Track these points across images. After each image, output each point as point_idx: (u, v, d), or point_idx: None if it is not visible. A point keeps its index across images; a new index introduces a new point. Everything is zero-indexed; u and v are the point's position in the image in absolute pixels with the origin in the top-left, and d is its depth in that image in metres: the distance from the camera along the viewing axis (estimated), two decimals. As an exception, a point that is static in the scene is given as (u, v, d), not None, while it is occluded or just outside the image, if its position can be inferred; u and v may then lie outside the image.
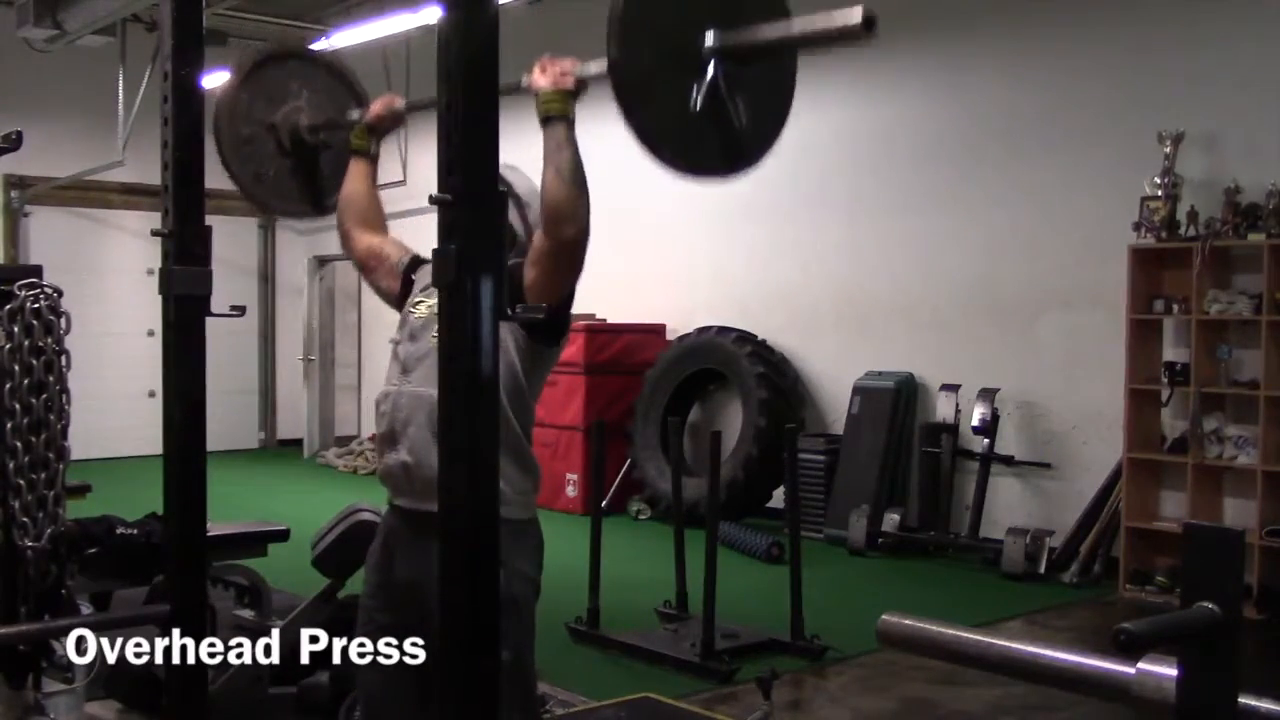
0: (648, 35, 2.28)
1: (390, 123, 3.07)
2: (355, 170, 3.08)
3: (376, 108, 3.05)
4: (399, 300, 2.94)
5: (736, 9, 2.36)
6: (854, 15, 2.12)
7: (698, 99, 2.31)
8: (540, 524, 2.79)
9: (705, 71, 2.32)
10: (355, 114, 3.15)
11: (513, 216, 2.77)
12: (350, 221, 3.05)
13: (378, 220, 3.08)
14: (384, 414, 2.75)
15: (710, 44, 2.31)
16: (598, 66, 2.36)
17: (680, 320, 9.34)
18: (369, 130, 3.06)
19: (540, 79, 2.53)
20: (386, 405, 2.74)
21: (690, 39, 2.31)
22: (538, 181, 2.63)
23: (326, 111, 3.25)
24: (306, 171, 3.26)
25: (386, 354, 3.02)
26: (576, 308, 2.83)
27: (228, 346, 11.42)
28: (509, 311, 1.94)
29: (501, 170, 2.17)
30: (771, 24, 2.37)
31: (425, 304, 2.77)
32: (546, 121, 2.52)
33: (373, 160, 3.09)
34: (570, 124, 2.53)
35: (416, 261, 2.96)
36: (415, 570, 2.64)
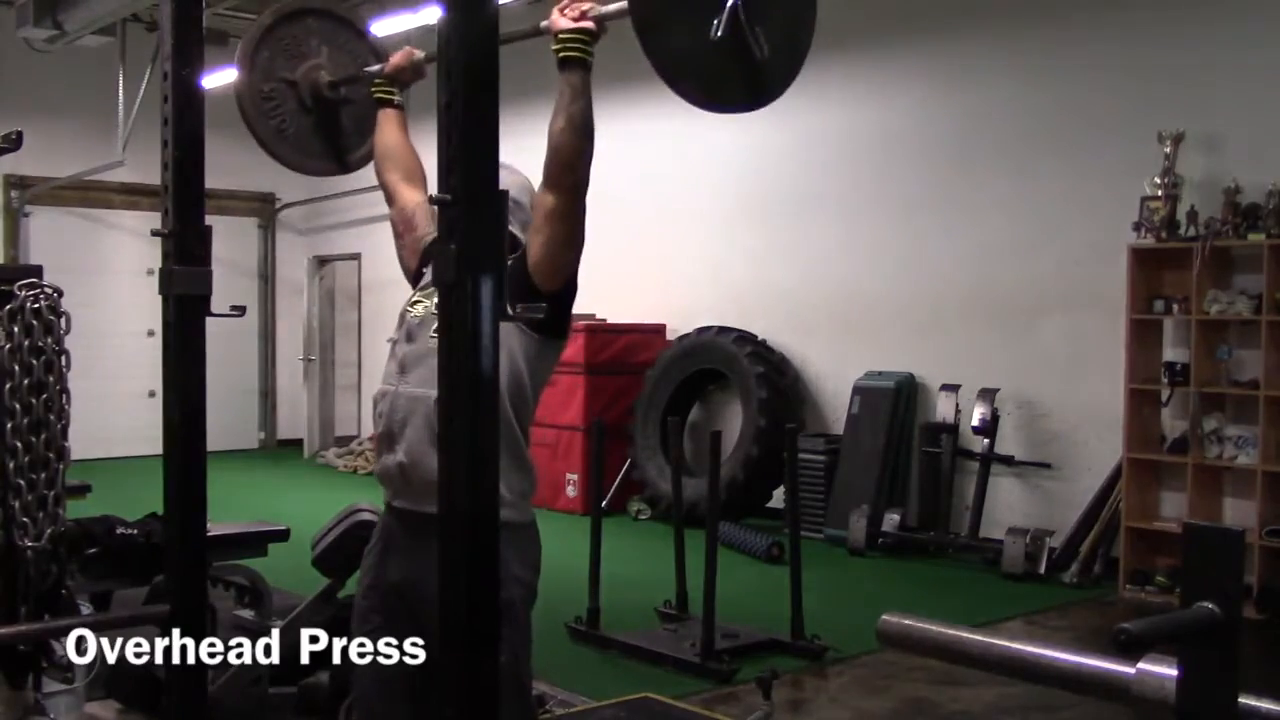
0: None
1: (411, 74, 3.07)
2: (385, 121, 3.08)
3: (396, 59, 3.05)
4: (413, 279, 2.93)
5: None
6: None
7: (718, 29, 2.31)
8: (538, 527, 2.78)
9: (725, 1, 2.32)
10: (375, 67, 3.15)
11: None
12: (391, 173, 3.03)
13: (417, 171, 3.05)
14: (381, 414, 2.74)
15: None
16: (617, 4, 2.36)
17: (680, 320, 9.34)
18: (390, 81, 3.07)
19: (559, 19, 2.50)
20: (384, 405, 2.73)
21: None
22: (530, 177, 2.62)
23: (346, 67, 3.26)
24: (329, 128, 3.27)
25: (386, 353, 3.01)
26: (577, 308, 2.82)
27: (228, 346, 11.42)
28: (509, 311, 1.94)
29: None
30: None
31: (422, 303, 2.75)
32: (564, 65, 2.49)
33: (400, 109, 3.09)
34: (588, 69, 2.50)
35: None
36: (410, 571, 2.63)
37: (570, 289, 2.69)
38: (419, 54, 3.04)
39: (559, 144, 2.51)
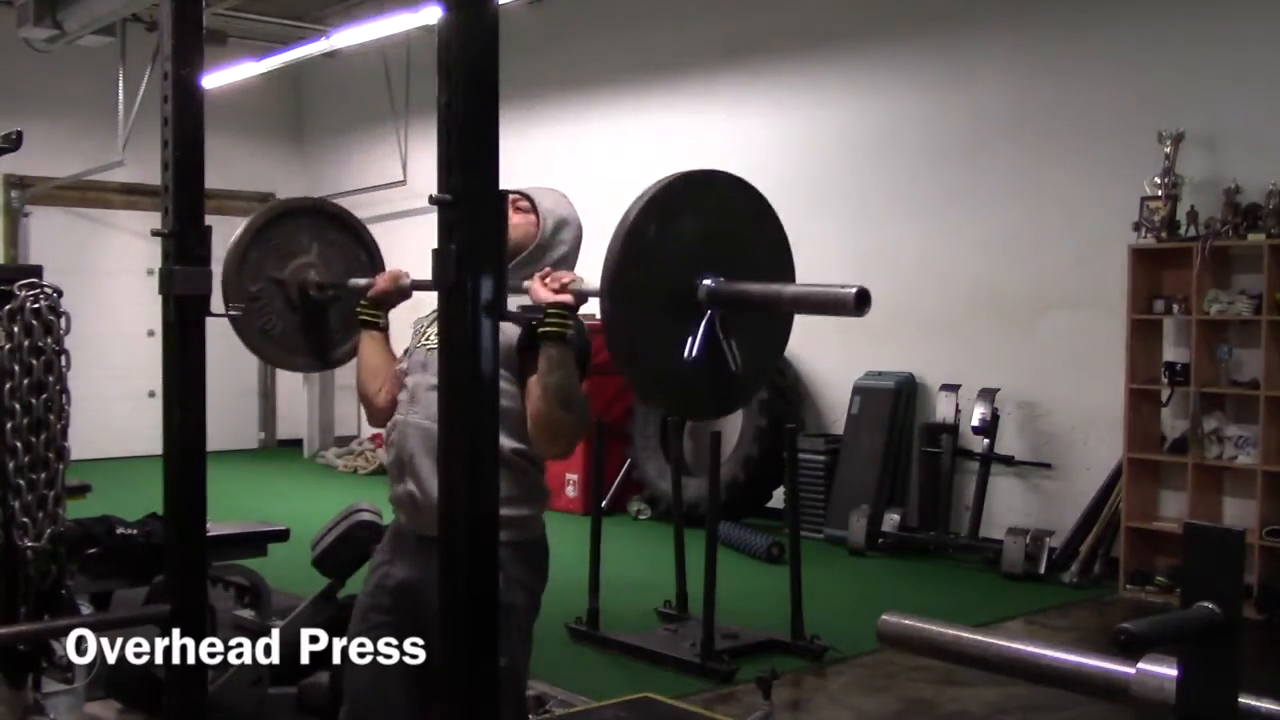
0: (644, 279, 2.24)
1: (396, 297, 2.99)
2: (369, 344, 2.97)
3: (382, 284, 2.96)
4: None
5: (740, 256, 2.35)
6: (848, 296, 2.12)
7: (693, 346, 2.27)
8: (547, 542, 2.80)
9: (701, 316, 2.28)
10: (361, 282, 3.07)
11: (527, 222, 2.78)
12: (372, 394, 2.94)
13: (396, 376, 2.95)
14: (393, 444, 2.77)
15: (706, 291, 2.27)
16: (596, 284, 2.30)
17: (680, 320, 9.32)
18: (375, 305, 2.98)
19: (540, 290, 2.49)
20: (395, 435, 2.76)
21: (688, 283, 2.28)
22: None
23: (335, 264, 3.21)
24: (314, 326, 3.20)
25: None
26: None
27: (228, 346, 11.33)
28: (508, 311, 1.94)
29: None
30: (765, 286, 2.36)
31: (435, 336, 2.75)
32: (544, 338, 2.50)
33: (383, 330, 3.00)
34: (568, 343, 2.51)
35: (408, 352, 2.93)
36: (416, 572, 2.66)
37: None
38: (406, 279, 2.97)
39: (540, 415, 2.55)
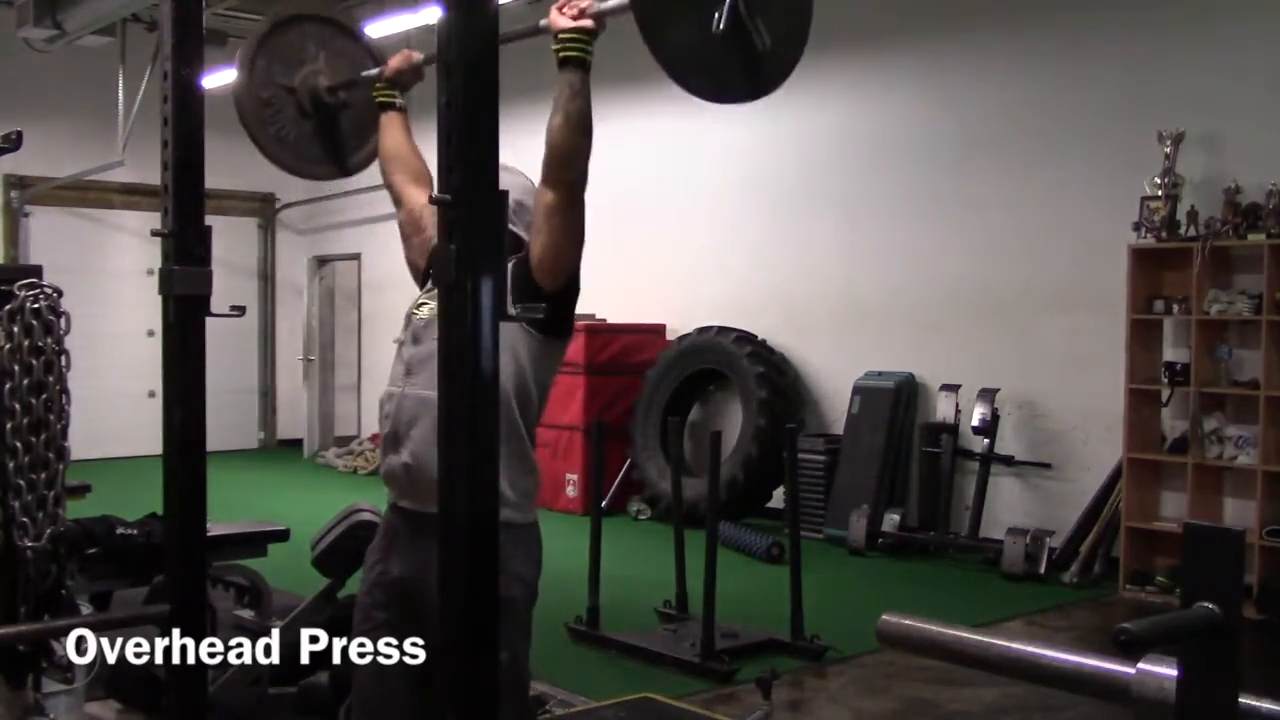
0: None
1: (411, 76, 3.07)
2: (389, 124, 3.07)
3: (395, 61, 3.06)
4: (421, 280, 2.93)
5: None
6: None
7: (720, 21, 2.32)
8: (540, 527, 2.79)
9: None
10: (374, 71, 3.15)
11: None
12: (397, 175, 3.03)
13: (424, 172, 3.03)
14: (387, 415, 2.74)
15: None
16: (618, 1, 2.36)
17: (680, 320, 9.34)
18: (391, 85, 3.07)
19: (559, 18, 2.50)
20: (390, 406, 2.74)
21: None
22: (530, 178, 2.61)
23: (343, 71, 3.26)
24: (328, 133, 3.27)
25: (387, 354, 3.01)
26: (577, 307, 2.82)
27: (228, 346, 11.42)
28: (510, 310, 1.94)
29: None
30: None
31: (428, 305, 2.75)
32: (564, 64, 2.50)
33: (402, 111, 3.09)
34: (587, 68, 2.51)
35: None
36: (413, 567, 2.64)
37: (573, 287, 2.69)
38: (418, 56, 3.04)
39: (557, 140, 2.52)
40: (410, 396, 2.69)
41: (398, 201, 3.03)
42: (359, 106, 3.23)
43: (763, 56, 2.43)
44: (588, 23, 2.48)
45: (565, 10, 2.50)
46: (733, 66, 2.41)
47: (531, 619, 2.74)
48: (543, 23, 2.54)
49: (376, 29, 9.28)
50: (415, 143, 3.06)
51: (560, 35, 2.50)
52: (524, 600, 2.68)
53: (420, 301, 2.81)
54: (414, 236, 2.96)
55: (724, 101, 2.55)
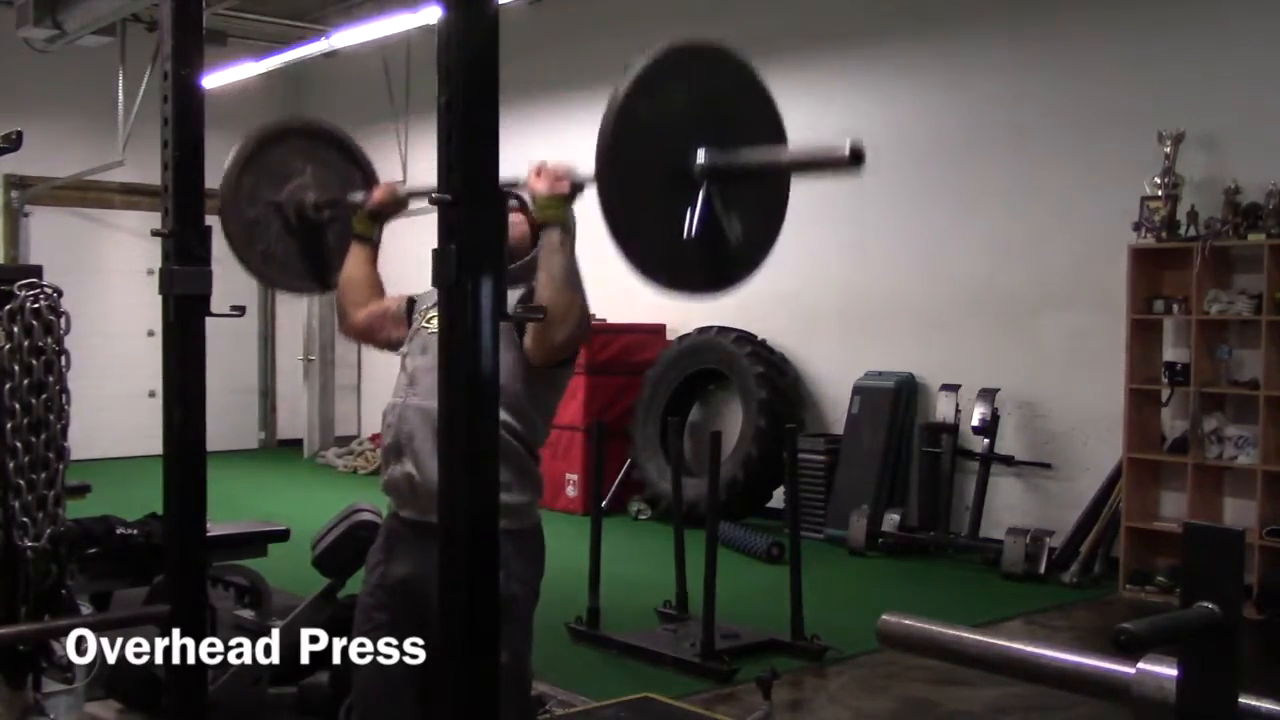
0: (638, 156, 2.23)
1: (392, 209, 3.04)
2: (356, 255, 3.04)
3: (379, 195, 3.03)
4: (410, 336, 2.93)
5: (732, 127, 2.32)
6: (841, 149, 2.11)
7: (692, 222, 2.24)
8: (543, 532, 2.80)
9: (698, 189, 2.26)
10: (359, 196, 3.11)
11: (520, 222, 2.78)
12: (350, 304, 3.02)
13: (379, 299, 3.04)
14: (390, 426, 2.76)
15: (702, 163, 2.25)
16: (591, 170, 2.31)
17: (680, 320, 9.33)
18: (371, 217, 3.03)
19: (537, 183, 2.54)
20: (393, 417, 2.75)
21: (682, 158, 2.25)
22: None
23: (331, 184, 3.22)
24: (313, 248, 3.23)
25: (387, 354, 3.02)
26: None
27: (228, 346, 11.42)
28: (508, 311, 1.94)
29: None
30: (761, 150, 2.35)
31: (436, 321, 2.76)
32: (543, 226, 2.57)
33: (374, 246, 3.06)
34: (565, 229, 2.55)
35: (413, 301, 2.97)
36: (414, 568, 2.65)
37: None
38: (402, 189, 3.03)
39: (546, 300, 2.55)
40: (412, 407, 2.71)
41: (345, 322, 3.04)
42: (345, 221, 3.18)
43: (733, 251, 2.37)
44: (564, 188, 2.53)
45: (542, 175, 2.55)
46: (702, 266, 2.37)
47: (533, 620, 2.75)
48: (520, 182, 2.56)
49: (376, 29, 9.29)
50: (377, 274, 3.04)
51: (539, 201, 2.55)
52: (525, 600, 2.69)
53: (430, 315, 2.81)
54: (381, 326, 2.99)
55: (692, 299, 2.55)
